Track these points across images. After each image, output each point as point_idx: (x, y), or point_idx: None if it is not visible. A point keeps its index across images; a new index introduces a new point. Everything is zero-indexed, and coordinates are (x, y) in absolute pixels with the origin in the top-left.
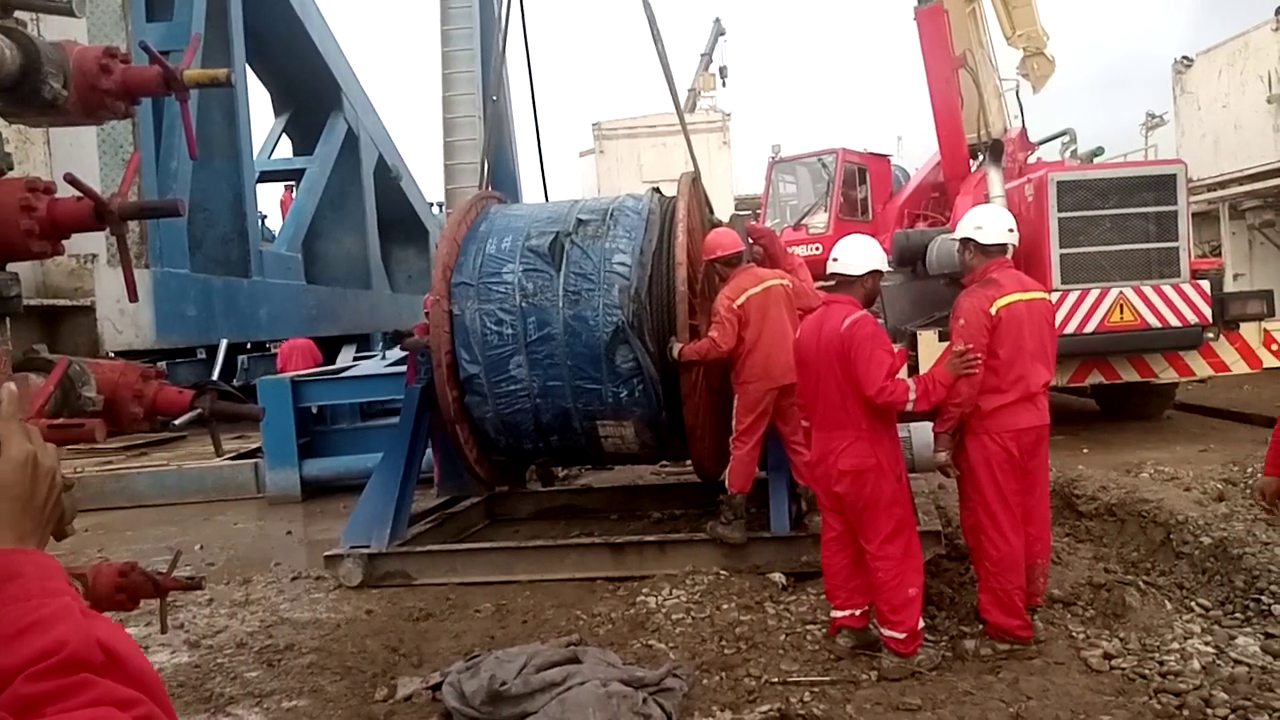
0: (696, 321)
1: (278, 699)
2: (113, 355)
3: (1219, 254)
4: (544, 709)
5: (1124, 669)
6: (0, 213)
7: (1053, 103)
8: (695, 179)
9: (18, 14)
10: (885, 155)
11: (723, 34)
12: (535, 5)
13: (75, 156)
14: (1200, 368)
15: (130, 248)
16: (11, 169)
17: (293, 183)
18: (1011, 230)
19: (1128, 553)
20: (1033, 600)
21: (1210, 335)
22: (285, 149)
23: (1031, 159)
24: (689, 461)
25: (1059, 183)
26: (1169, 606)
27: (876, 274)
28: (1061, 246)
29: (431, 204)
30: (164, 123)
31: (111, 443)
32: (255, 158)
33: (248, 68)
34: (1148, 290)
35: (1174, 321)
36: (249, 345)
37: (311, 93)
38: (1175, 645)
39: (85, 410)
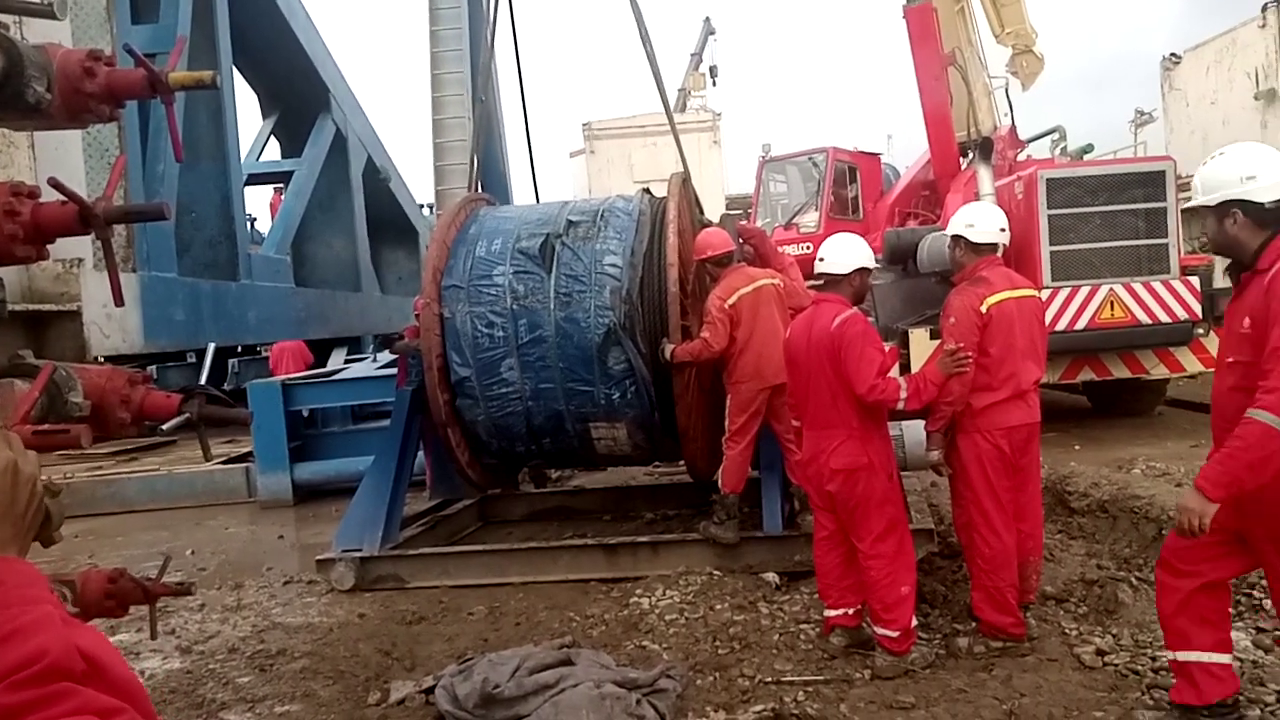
0: (688, 322)
1: (270, 704)
2: (102, 360)
3: (1207, 250)
4: (537, 711)
5: (1117, 665)
6: None
7: (1042, 100)
8: (685, 180)
9: (0, 17)
10: (875, 154)
11: (712, 33)
12: (524, 5)
13: (60, 160)
14: (1191, 363)
15: (117, 251)
16: None
17: (282, 185)
18: (1003, 229)
19: (1120, 549)
20: (1025, 597)
21: (1201, 331)
22: (273, 151)
23: (1021, 156)
24: (682, 462)
25: (1048, 180)
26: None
27: (864, 271)
28: (1051, 244)
29: (422, 205)
30: (150, 125)
31: (101, 447)
32: (243, 160)
33: (234, 70)
34: (1138, 287)
35: (1164, 318)
36: (240, 349)
37: (299, 94)
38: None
39: (72, 416)
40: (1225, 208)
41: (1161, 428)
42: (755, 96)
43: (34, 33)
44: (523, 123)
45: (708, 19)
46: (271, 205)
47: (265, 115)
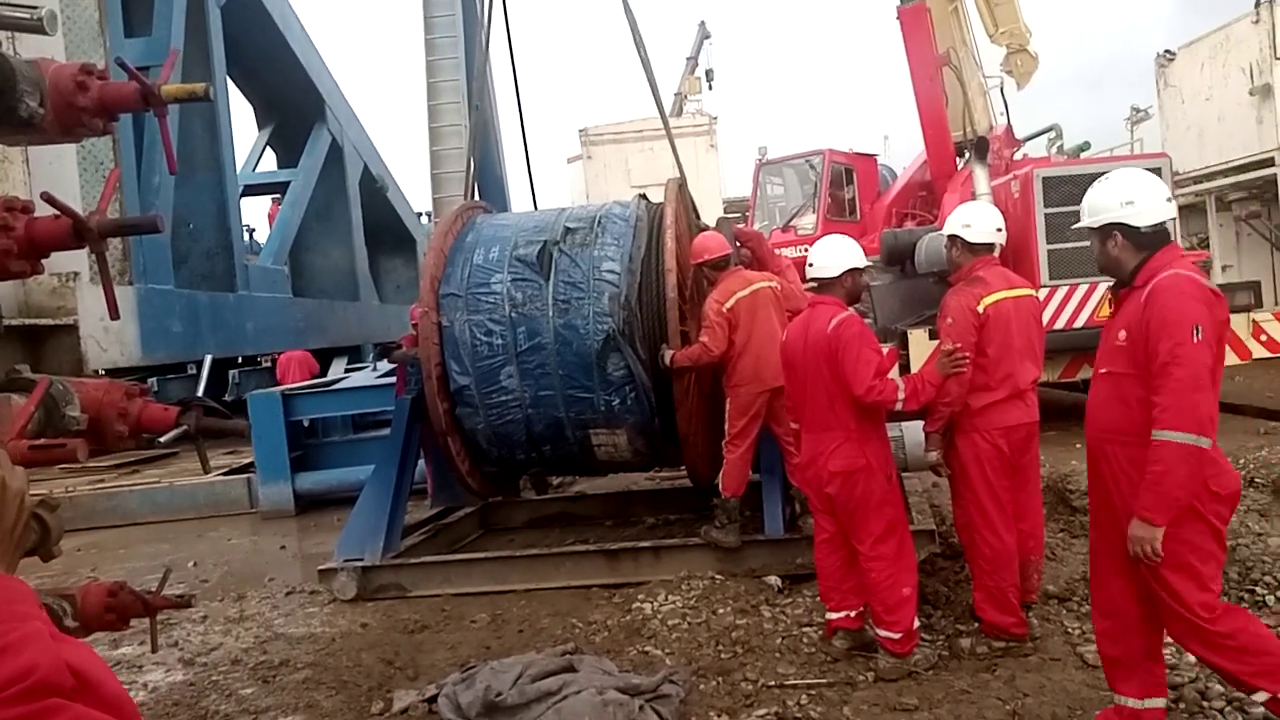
0: (687, 327)
1: (273, 715)
2: (102, 373)
3: (1206, 246)
4: (540, 719)
5: None
6: None
7: (1038, 99)
8: (682, 185)
9: None
10: (872, 155)
11: (708, 37)
12: (519, 12)
13: (55, 174)
14: None
15: (113, 264)
16: None
17: (280, 195)
18: (1000, 229)
19: None
20: (1027, 597)
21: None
22: (270, 162)
23: (1018, 155)
24: (683, 467)
25: (1044, 179)
26: None
27: (854, 272)
28: (1048, 242)
29: (420, 213)
30: (145, 138)
31: (103, 460)
32: (239, 171)
33: (230, 81)
34: None
35: None
36: (240, 359)
37: (295, 105)
38: (1169, 639)
39: (69, 429)
40: (1107, 230)
41: None
42: (752, 100)
43: (26, 47)
44: (519, 129)
45: (703, 23)
46: (270, 215)
47: (261, 126)
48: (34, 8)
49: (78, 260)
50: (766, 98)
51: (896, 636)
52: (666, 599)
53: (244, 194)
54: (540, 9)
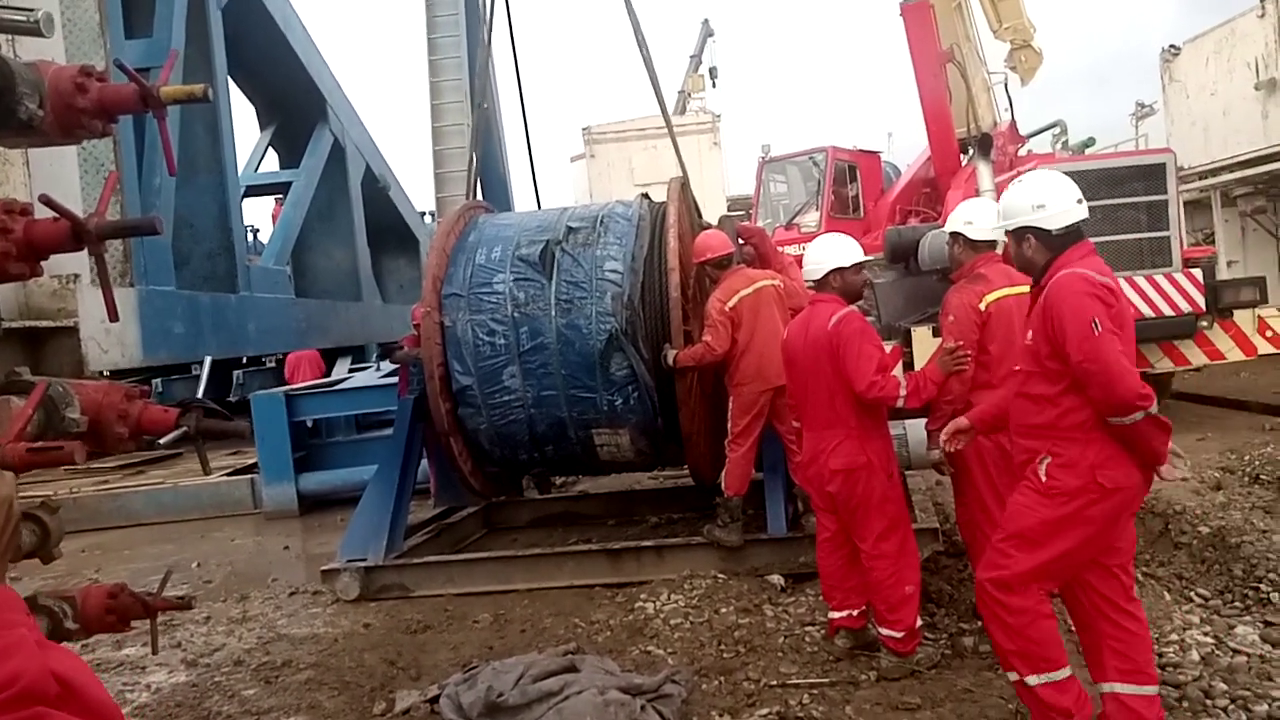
0: (689, 326)
1: (276, 716)
2: (107, 375)
3: (1212, 242)
4: (542, 719)
5: None
6: None
7: (1042, 95)
8: (684, 184)
9: None
10: (875, 152)
11: (711, 35)
12: (522, 10)
13: (56, 176)
14: (1195, 356)
15: (114, 266)
16: None
17: (283, 195)
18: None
19: None
20: None
21: (1204, 324)
22: (272, 162)
23: (1022, 152)
24: (685, 467)
25: None
26: (1168, 597)
27: (840, 272)
28: None
29: (423, 213)
30: (146, 139)
31: (108, 461)
32: (241, 172)
33: (231, 82)
34: (1140, 280)
35: (1167, 311)
36: (245, 359)
37: (296, 105)
38: (1174, 636)
39: (69, 431)
40: (1021, 233)
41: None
42: (755, 97)
43: (26, 50)
44: (523, 128)
45: (706, 21)
46: (273, 216)
47: (263, 126)
48: (31, 10)
49: (78, 262)
50: (770, 95)
51: (899, 635)
52: (669, 598)
53: (246, 195)
54: (543, 7)
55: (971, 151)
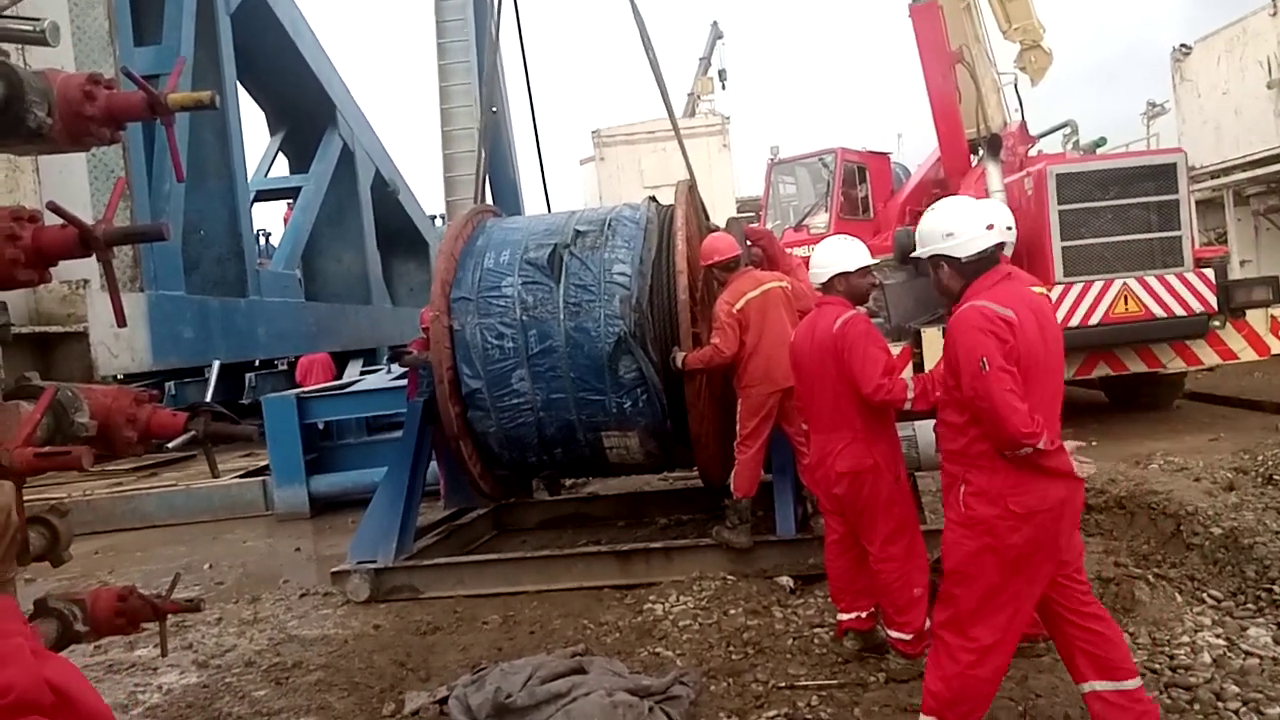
0: (698, 329)
1: (286, 717)
2: (121, 379)
3: (1225, 241)
4: None
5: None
6: None
7: (1052, 95)
8: (691, 186)
9: (1, 45)
10: (885, 153)
11: (720, 37)
12: (530, 12)
13: (65, 183)
14: (1208, 356)
15: (123, 272)
16: None
17: (293, 200)
18: (1010, 228)
19: (1138, 545)
20: None
21: (1216, 323)
22: (282, 167)
23: (1033, 152)
24: (695, 469)
25: (1058, 175)
26: (1179, 599)
27: (843, 276)
28: (1063, 239)
29: (433, 216)
30: (155, 145)
31: (121, 464)
32: (251, 177)
33: (241, 88)
34: (1151, 280)
35: (1179, 311)
36: (257, 362)
37: (305, 110)
38: (1186, 638)
39: (79, 436)
40: (934, 260)
41: (1179, 422)
42: (764, 99)
43: (36, 58)
44: (532, 131)
45: (715, 23)
46: (285, 220)
47: (273, 132)
48: (37, 20)
49: (88, 268)
50: (779, 97)
51: (908, 637)
52: (678, 600)
53: (256, 200)
54: (552, 10)
55: (981, 152)
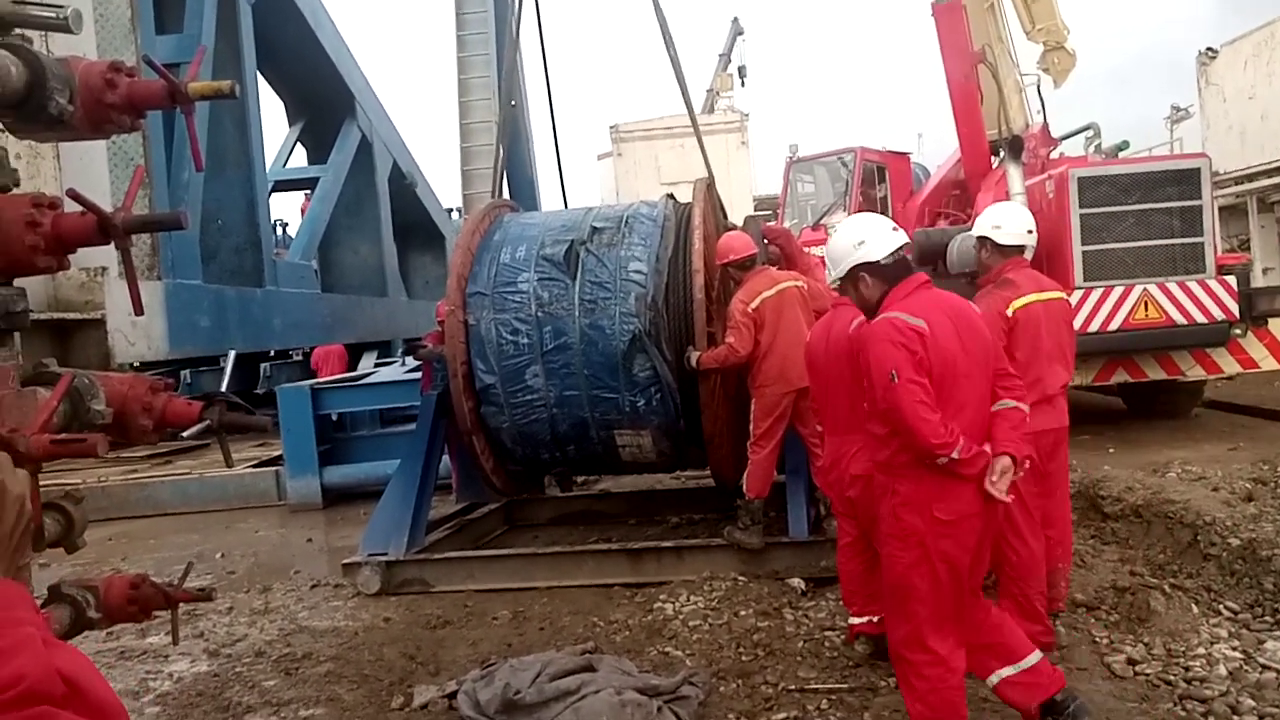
0: (713, 328)
1: (295, 708)
2: (136, 366)
3: (1247, 248)
4: (558, 718)
5: (1148, 675)
6: (6, 228)
7: (1076, 97)
8: (709, 184)
9: (24, 31)
10: (905, 153)
11: (741, 34)
12: (550, 8)
13: (85, 170)
14: (1228, 365)
15: (141, 260)
16: (18, 185)
17: (311, 191)
18: (1031, 231)
19: (1154, 555)
20: (1054, 605)
21: (1238, 331)
22: (300, 158)
23: (1054, 154)
24: (708, 468)
25: (1080, 179)
26: (1195, 610)
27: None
28: (1084, 243)
29: (449, 210)
30: (175, 134)
31: (136, 451)
32: (269, 167)
33: (260, 77)
34: (1172, 286)
35: (1200, 318)
36: (272, 352)
37: (325, 101)
38: (1201, 650)
39: (95, 423)
40: (854, 274)
41: (1199, 430)
42: (784, 97)
43: (58, 45)
44: (550, 125)
45: (736, 19)
46: (302, 210)
47: (291, 122)
48: (60, 7)
49: (106, 255)
50: (799, 95)
51: None
52: (688, 599)
53: (274, 190)
54: (572, 4)
55: (1002, 154)
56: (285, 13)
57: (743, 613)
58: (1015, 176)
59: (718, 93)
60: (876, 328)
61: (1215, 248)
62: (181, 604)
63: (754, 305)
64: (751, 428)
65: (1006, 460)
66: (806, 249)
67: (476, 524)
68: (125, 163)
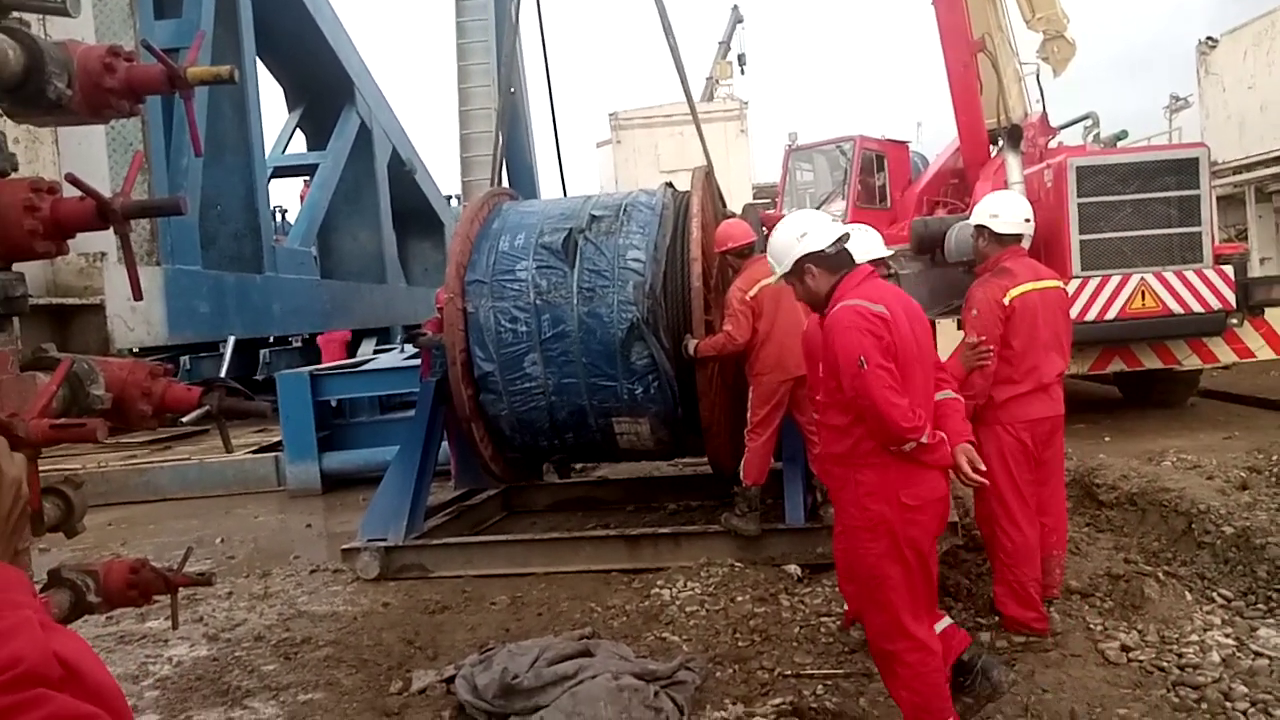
0: (711, 316)
1: (294, 692)
2: (135, 351)
3: (1245, 238)
4: (555, 702)
5: (1142, 661)
6: (4, 213)
7: (1075, 86)
8: (708, 173)
9: (23, 15)
10: (904, 142)
11: (740, 21)
12: None
13: (84, 155)
14: (1224, 354)
15: (140, 246)
16: (16, 169)
17: (310, 177)
18: (1028, 220)
19: (1148, 543)
20: (1049, 592)
21: (1234, 321)
22: (299, 144)
23: (1053, 144)
24: (705, 456)
25: (1078, 168)
26: (1189, 598)
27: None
28: (1081, 233)
29: (449, 197)
30: (174, 119)
31: (136, 436)
32: (269, 153)
33: (259, 63)
34: (1170, 276)
35: (1196, 307)
36: (271, 338)
37: (324, 87)
38: (1195, 637)
39: (94, 408)
40: (800, 267)
41: (1194, 419)
42: (783, 85)
43: (57, 29)
44: (550, 113)
45: (736, 7)
46: (302, 196)
47: (291, 108)
48: None
49: (105, 240)
50: (799, 83)
51: None
52: (685, 585)
53: (273, 176)
54: None
55: (1001, 143)
56: None
57: (739, 599)
58: (1014, 165)
59: (717, 80)
60: (841, 315)
61: (1213, 237)
62: (181, 589)
63: (752, 293)
64: (749, 415)
65: (970, 449)
66: None
67: (475, 510)
68: (124, 148)
